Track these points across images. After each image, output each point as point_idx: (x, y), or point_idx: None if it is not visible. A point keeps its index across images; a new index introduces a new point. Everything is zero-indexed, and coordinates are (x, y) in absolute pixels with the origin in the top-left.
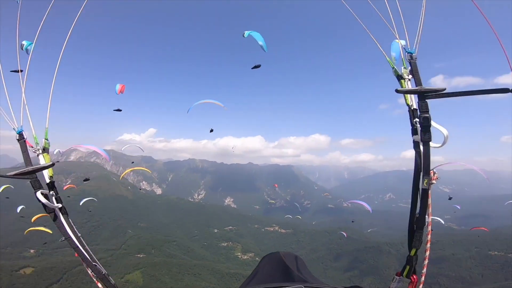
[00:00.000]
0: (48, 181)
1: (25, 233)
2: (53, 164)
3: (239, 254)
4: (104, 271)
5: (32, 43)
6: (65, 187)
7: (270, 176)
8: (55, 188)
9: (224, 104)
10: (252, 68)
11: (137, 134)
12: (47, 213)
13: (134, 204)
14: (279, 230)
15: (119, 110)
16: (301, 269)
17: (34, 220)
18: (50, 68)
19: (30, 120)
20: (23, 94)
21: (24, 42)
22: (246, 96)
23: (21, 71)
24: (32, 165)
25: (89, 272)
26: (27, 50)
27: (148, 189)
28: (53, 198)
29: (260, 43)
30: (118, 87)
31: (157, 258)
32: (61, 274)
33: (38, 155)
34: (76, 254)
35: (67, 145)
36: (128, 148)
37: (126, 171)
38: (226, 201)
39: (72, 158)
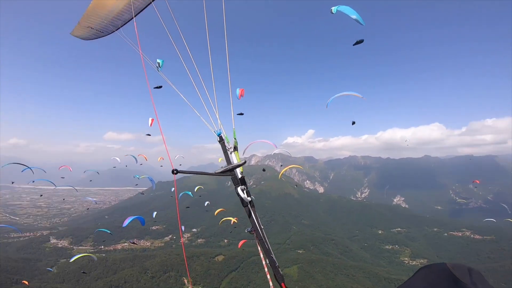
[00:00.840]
0: (240, 176)
1: (219, 223)
2: (245, 162)
3: (406, 259)
4: (277, 263)
5: (163, 60)
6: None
7: (458, 170)
8: (246, 183)
9: (364, 95)
10: (354, 45)
11: (298, 137)
12: (244, 207)
13: (299, 202)
14: (472, 236)
15: (159, 87)
16: (479, 283)
17: (216, 214)
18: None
19: (220, 123)
20: (215, 102)
21: (158, 61)
22: (406, 83)
23: (161, 87)
24: (231, 164)
25: (264, 262)
26: (158, 67)
27: (311, 188)
28: (245, 192)
29: (354, 16)
30: (238, 91)
31: (314, 255)
32: (239, 263)
33: (230, 153)
34: (258, 244)
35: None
36: (289, 150)
37: (282, 170)
38: (395, 200)
39: (252, 162)
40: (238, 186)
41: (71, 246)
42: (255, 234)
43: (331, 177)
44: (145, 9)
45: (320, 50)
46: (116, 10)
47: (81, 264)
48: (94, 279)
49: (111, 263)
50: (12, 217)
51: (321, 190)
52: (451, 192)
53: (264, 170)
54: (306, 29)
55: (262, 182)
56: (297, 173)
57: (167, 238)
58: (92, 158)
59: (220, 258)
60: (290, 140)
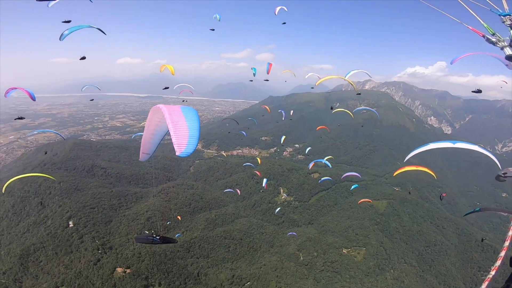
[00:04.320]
0: None
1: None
2: None
3: None
4: None
5: None
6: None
7: None
8: None
9: None
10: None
11: (423, 67)
12: None
13: (414, 137)
14: None
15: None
16: None
17: (318, 129)
18: None
19: None
20: None
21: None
22: None
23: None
24: None
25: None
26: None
27: (435, 126)
28: None
29: None
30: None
31: (409, 196)
32: (332, 184)
33: None
34: None
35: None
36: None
37: (321, 80)
38: None
39: (366, 87)
40: None
41: (203, 149)
42: None
43: (466, 119)
44: None
45: None
46: None
47: (209, 165)
48: (216, 179)
49: (229, 166)
50: None
51: (448, 131)
52: None
53: (359, 94)
54: None
55: (374, 109)
56: (420, 106)
57: (272, 150)
58: (215, 74)
59: (316, 175)
60: (409, 70)
